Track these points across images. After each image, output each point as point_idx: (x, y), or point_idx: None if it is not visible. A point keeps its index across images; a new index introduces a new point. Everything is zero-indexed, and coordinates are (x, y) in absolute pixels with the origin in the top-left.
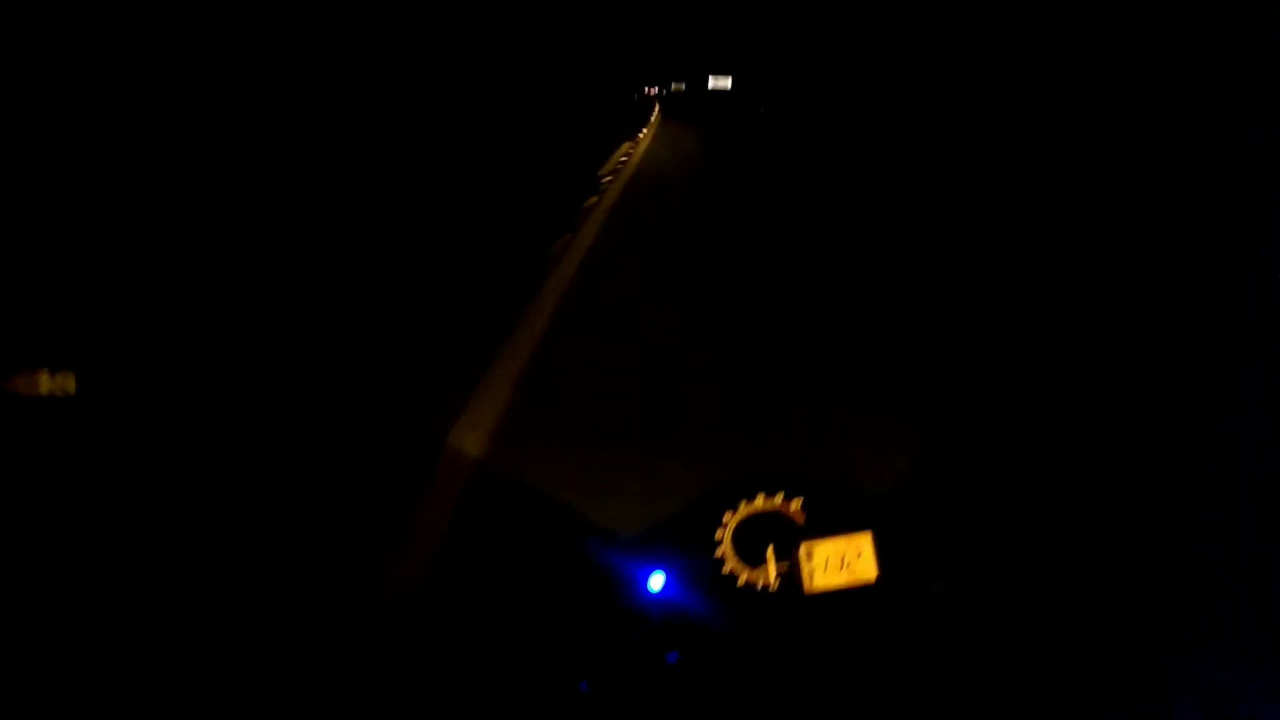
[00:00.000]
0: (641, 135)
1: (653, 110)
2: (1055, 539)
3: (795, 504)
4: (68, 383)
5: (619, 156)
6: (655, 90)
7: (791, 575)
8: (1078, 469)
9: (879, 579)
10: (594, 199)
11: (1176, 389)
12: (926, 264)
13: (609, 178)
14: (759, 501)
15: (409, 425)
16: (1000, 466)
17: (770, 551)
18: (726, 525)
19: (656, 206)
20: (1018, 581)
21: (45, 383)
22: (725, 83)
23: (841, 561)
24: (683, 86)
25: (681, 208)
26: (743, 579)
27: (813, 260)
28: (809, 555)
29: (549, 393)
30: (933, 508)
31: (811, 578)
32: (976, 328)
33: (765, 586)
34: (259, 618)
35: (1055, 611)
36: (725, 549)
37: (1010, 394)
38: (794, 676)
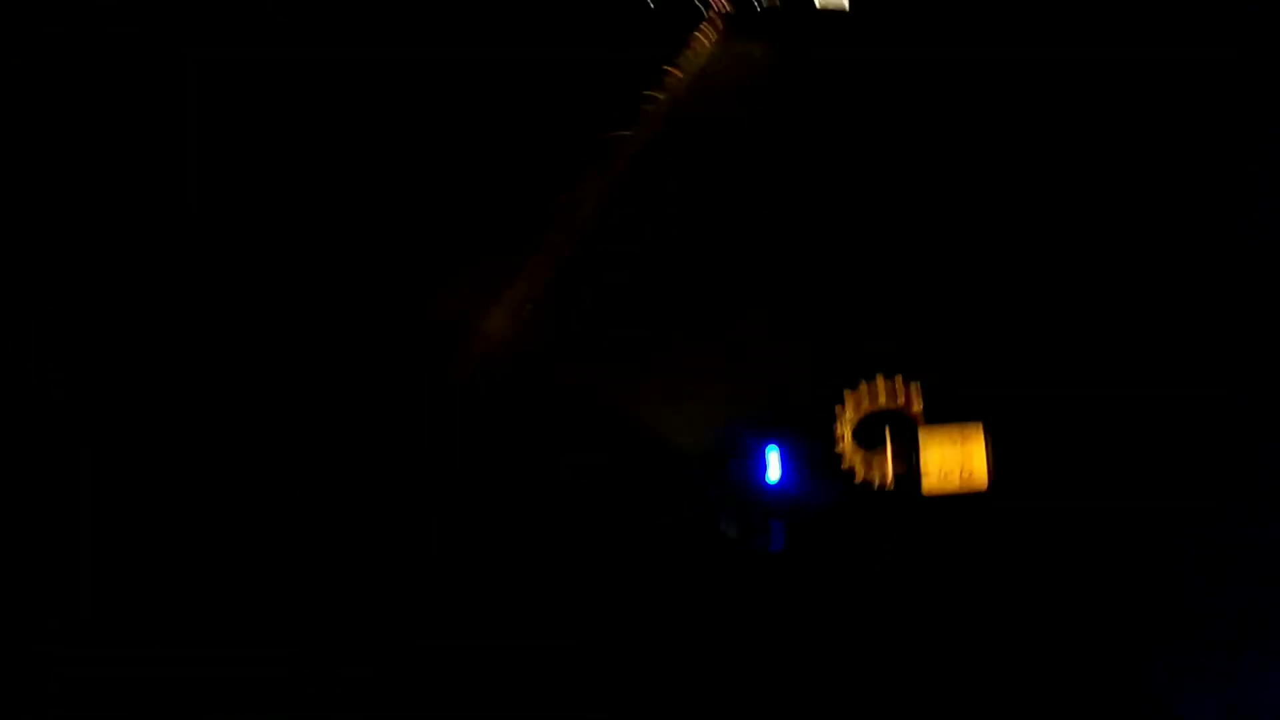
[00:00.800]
0: None
1: None
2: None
3: (915, 394)
4: None
5: None
6: None
7: (908, 477)
8: None
9: (990, 488)
10: None
11: None
12: None
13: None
14: (879, 384)
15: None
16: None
17: (889, 449)
18: (846, 409)
19: None
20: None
21: None
22: None
23: (959, 471)
24: None
25: None
26: (860, 475)
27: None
28: (926, 455)
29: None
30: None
31: (927, 481)
32: None
33: (881, 484)
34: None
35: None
36: (845, 445)
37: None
38: (903, 581)
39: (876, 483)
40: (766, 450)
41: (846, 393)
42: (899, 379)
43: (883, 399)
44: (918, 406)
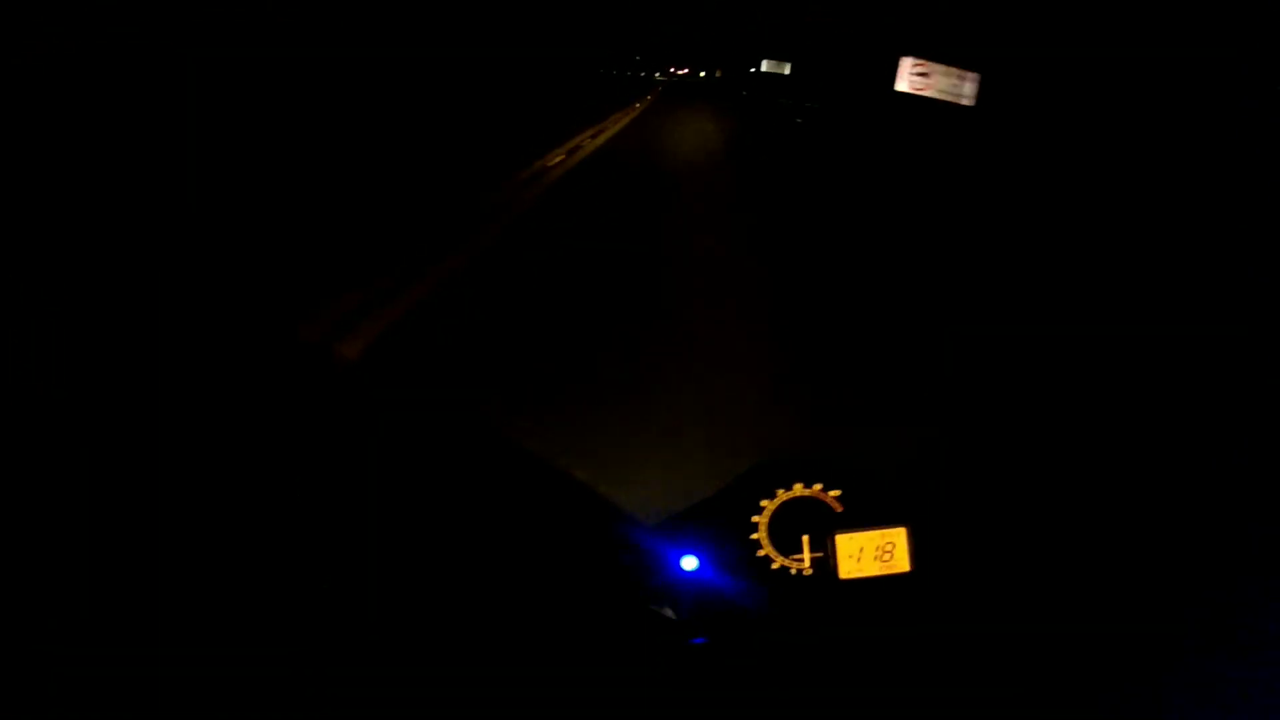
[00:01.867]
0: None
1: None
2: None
3: (833, 493)
4: None
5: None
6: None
7: (826, 563)
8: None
9: (913, 571)
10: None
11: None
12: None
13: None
14: (797, 489)
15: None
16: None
17: (805, 540)
18: (765, 510)
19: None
20: (1046, 580)
21: None
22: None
23: (877, 552)
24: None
25: None
26: (777, 564)
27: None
28: (844, 545)
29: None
30: (970, 506)
31: (845, 566)
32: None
33: (800, 572)
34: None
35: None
36: (762, 535)
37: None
38: (824, 660)
39: (794, 570)
40: (685, 546)
41: (764, 501)
42: (817, 485)
43: (799, 491)
44: (834, 495)
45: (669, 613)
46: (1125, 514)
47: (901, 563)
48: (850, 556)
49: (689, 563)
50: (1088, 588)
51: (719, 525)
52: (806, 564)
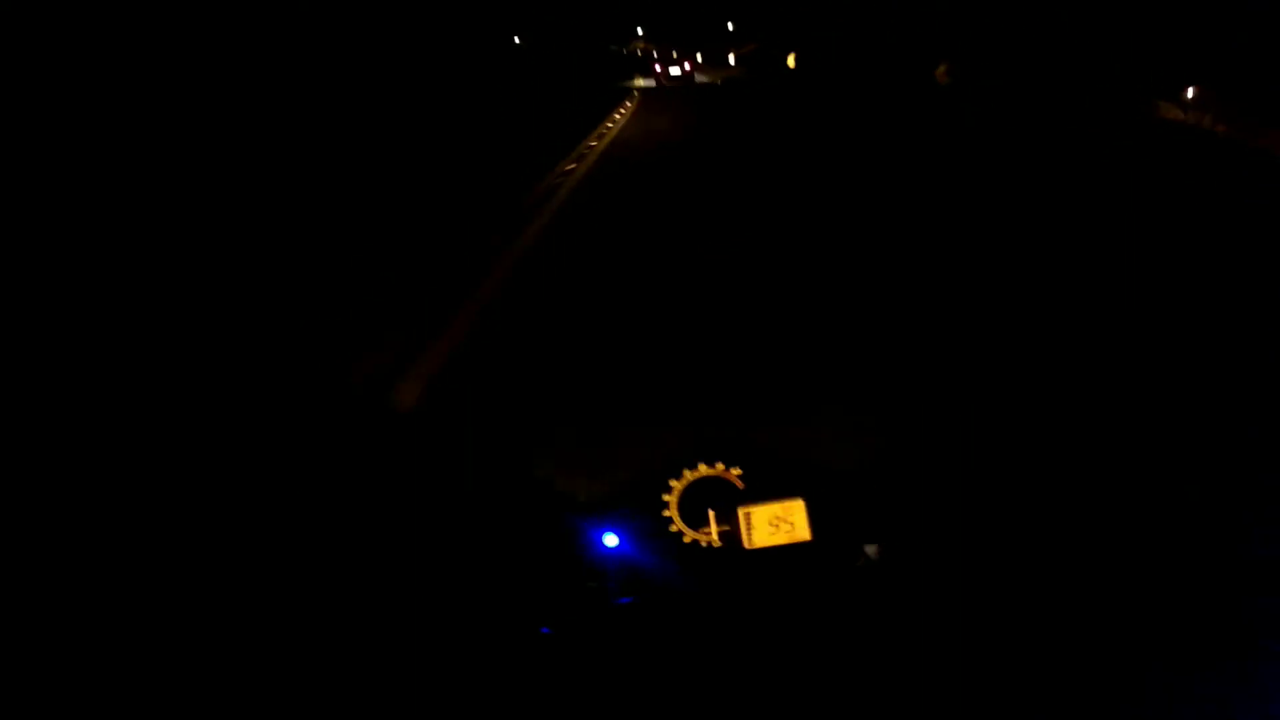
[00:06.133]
0: None
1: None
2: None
3: (735, 472)
4: None
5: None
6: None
7: (732, 535)
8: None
9: (813, 540)
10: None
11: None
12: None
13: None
14: (701, 469)
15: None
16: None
17: (711, 514)
18: (674, 490)
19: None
20: (949, 554)
21: None
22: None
23: (778, 523)
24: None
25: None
26: (688, 538)
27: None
28: (747, 517)
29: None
30: (864, 481)
31: (750, 537)
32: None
33: (709, 545)
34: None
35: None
36: (672, 511)
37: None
38: (735, 624)
39: (704, 543)
40: (606, 524)
41: (673, 481)
42: (719, 464)
43: (704, 471)
44: (736, 475)
45: (595, 584)
46: (1033, 480)
47: (802, 532)
48: (755, 528)
49: (610, 540)
50: (985, 551)
51: (634, 504)
52: (714, 536)
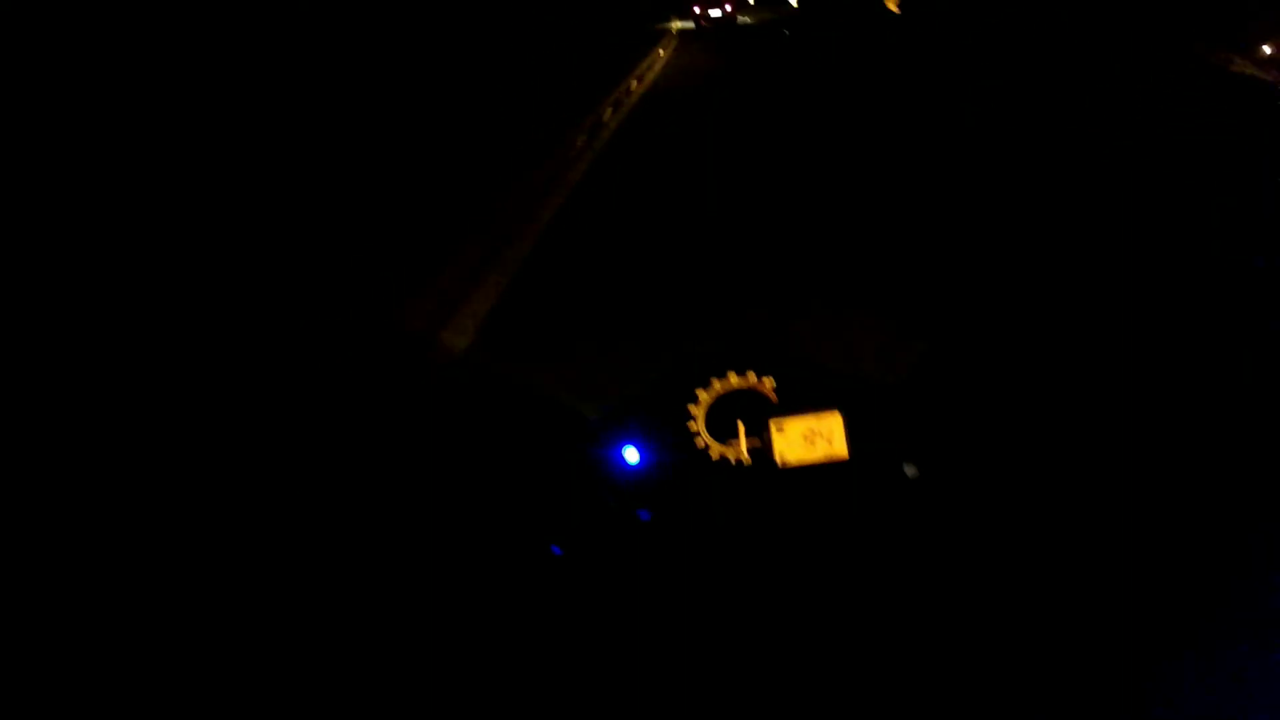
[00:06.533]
0: None
1: None
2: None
3: (768, 382)
4: None
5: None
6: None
7: (764, 450)
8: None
9: (850, 458)
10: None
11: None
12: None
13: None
14: (731, 379)
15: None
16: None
17: (741, 427)
18: (701, 402)
19: None
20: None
21: None
22: None
23: (813, 437)
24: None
25: None
26: (716, 454)
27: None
28: (780, 430)
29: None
30: (903, 394)
31: (783, 453)
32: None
33: (739, 461)
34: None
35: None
36: (699, 425)
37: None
38: (765, 547)
39: (732, 459)
40: (625, 440)
41: (699, 389)
42: (750, 372)
43: (734, 382)
44: (770, 386)
45: (613, 502)
46: (1074, 405)
47: (839, 448)
48: (788, 443)
49: (630, 455)
50: (1020, 483)
51: (658, 416)
52: (744, 452)
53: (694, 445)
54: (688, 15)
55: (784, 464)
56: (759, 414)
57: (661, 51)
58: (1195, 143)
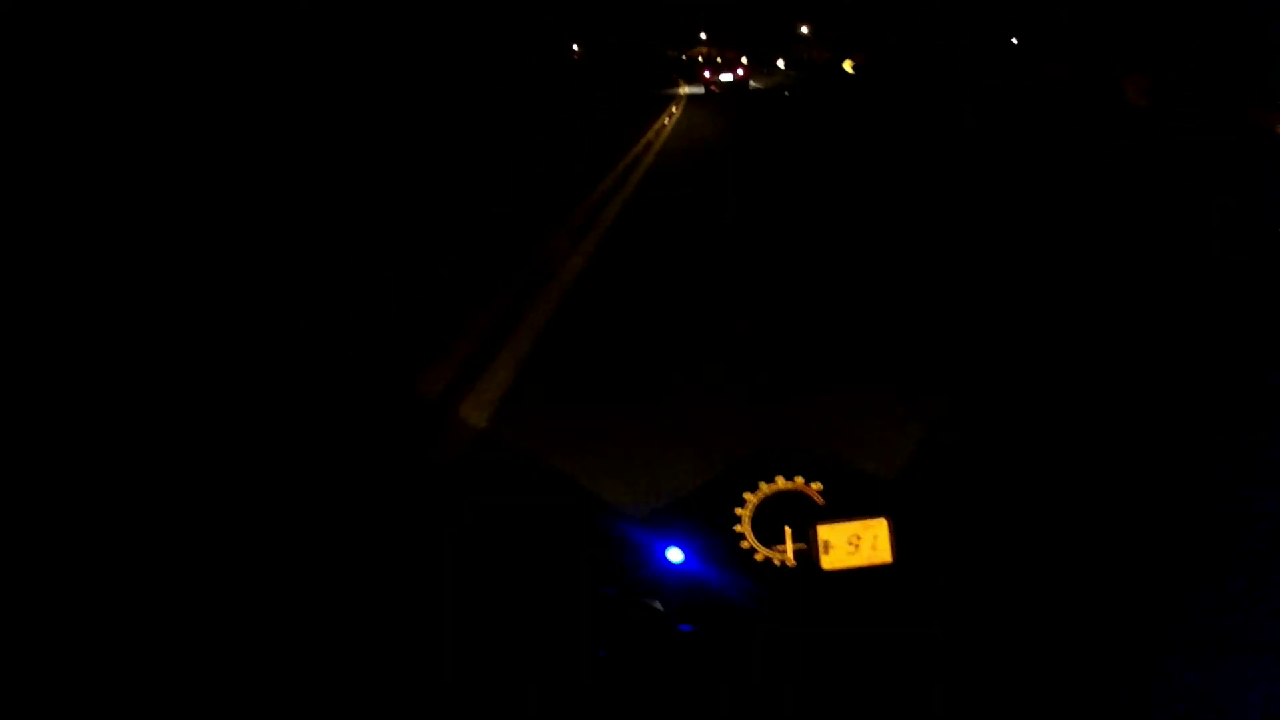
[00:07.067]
0: None
1: None
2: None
3: (815, 486)
4: None
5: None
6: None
7: (808, 555)
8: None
9: (894, 562)
10: None
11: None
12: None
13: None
14: (779, 482)
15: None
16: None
17: (788, 531)
18: (748, 503)
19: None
20: (1030, 575)
21: None
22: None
23: (857, 543)
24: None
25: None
26: (760, 556)
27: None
28: (826, 536)
29: (562, 378)
30: (949, 499)
31: (828, 558)
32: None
33: (783, 564)
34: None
35: (1070, 609)
36: (745, 527)
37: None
38: (808, 650)
39: (777, 562)
40: (670, 539)
41: (746, 492)
42: (799, 478)
43: (781, 485)
44: (816, 488)
45: (657, 604)
46: (1113, 510)
47: (883, 553)
48: (833, 548)
49: (675, 555)
50: (1071, 583)
51: (703, 518)
52: (789, 555)
53: (738, 547)
54: (696, 81)
55: (829, 569)
56: (806, 518)
57: (667, 121)
58: (1240, 208)
